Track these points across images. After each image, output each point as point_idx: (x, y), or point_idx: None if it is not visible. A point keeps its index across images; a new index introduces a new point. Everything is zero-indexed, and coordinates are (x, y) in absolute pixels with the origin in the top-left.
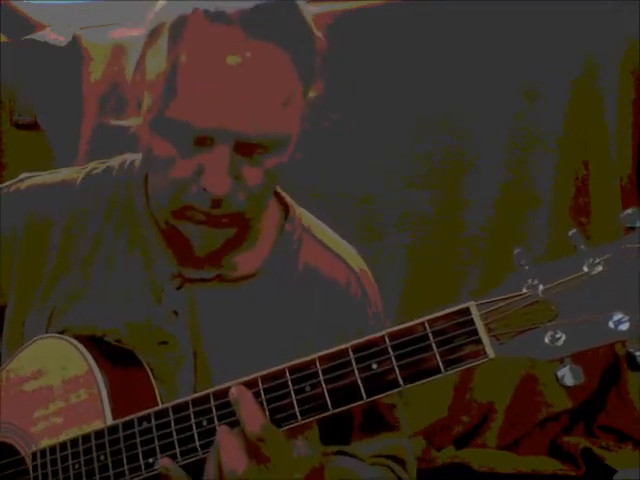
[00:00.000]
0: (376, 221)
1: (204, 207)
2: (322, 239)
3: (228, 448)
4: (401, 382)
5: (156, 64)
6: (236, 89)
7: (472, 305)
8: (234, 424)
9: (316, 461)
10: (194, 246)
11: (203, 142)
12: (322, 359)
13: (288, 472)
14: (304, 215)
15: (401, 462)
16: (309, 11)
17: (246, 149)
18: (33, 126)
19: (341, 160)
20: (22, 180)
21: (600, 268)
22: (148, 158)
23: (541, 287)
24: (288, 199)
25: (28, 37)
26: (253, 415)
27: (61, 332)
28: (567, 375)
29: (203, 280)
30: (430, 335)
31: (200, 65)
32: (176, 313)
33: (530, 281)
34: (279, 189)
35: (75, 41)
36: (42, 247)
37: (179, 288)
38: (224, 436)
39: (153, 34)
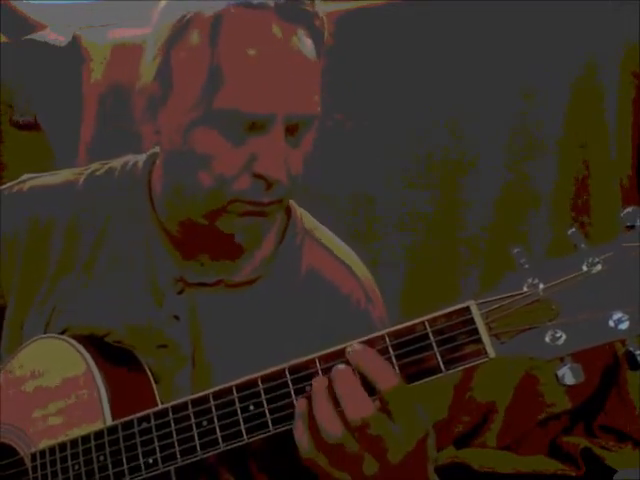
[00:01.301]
0: (376, 221)
1: (253, 196)
2: (325, 243)
3: (353, 394)
4: None
5: (191, 62)
6: (282, 70)
7: (472, 304)
8: (234, 424)
9: (428, 426)
10: (241, 241)
11: (256, 127)
12: (322, 359)
13: (411, 428)
14: (306, 218)
15: None
16: None
17: (292, 130)
18: (33, 126)
19: (341, 160)
20: (24, 181)
21: (600, 267)
22: (185, 159)
23: (541, 286)
24: (290, 202)
25: (28, 37)
26: (386, 371)
27: (61, 333)
28: (567, 374)
29: (205, 285)
30: (430, 334)
31: (244, 51)
32: (177, 318)
33: (530, 280)
34: None
35: (75, 41)
36: (44, 248)
37: (180, 292)
38: (345, 382)
39: (178, 35)
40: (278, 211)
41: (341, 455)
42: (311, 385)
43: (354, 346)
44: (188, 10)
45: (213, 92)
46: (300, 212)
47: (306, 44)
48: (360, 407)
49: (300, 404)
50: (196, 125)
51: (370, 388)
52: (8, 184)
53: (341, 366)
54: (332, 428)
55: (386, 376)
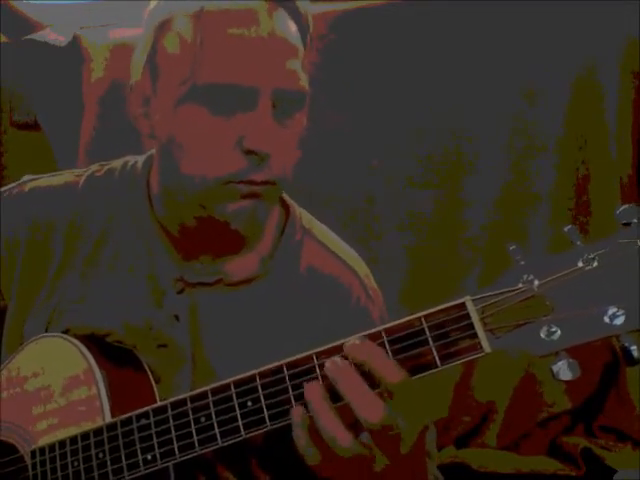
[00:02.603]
0: (376, 221)
1: (246, 174)
2: (323, 241)
3: (363, 397)
4: None
5: (175, 46)
6: (265, 47)
7: (468, 300)
8: (232, 420)
9: (428, 420)
10: (238, 227)
11: (242, 102)
12: (319, 355)
13: (415, 421)
14: (305, 216)
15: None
16: None
17: (280, 105)
18: (33, 126)
19: (341, 160)
20: (25, 183)
21: (595, 263)
22: (171, 146)
23: (536, 282)
24: (289, 200)
25: (28, 37)
26: (393, 368)
27: (63, 333)
28: (562, 369)
29: (204, 284)
30: (426, 330)
31: (227, 28)
32: (177, 317)
33: (525, 276)
34: None
35: (75, 41)
36: (44, 250)
37: (180, 292)
38: (351, 384)
39: (162, 26)
40: (274, 195)
41: (353, 459)
42: (308, 382)
43: (355, 341)
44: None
45: (198, 69)
46: (299, 211)
47: (289, 27)
48: (375, 410)
49: (297, 413)
50: (183, 102)
51: (370, 382)
52: (9, 186)
53: (339, 364)
54: (344, 440)
55: (392, 371)
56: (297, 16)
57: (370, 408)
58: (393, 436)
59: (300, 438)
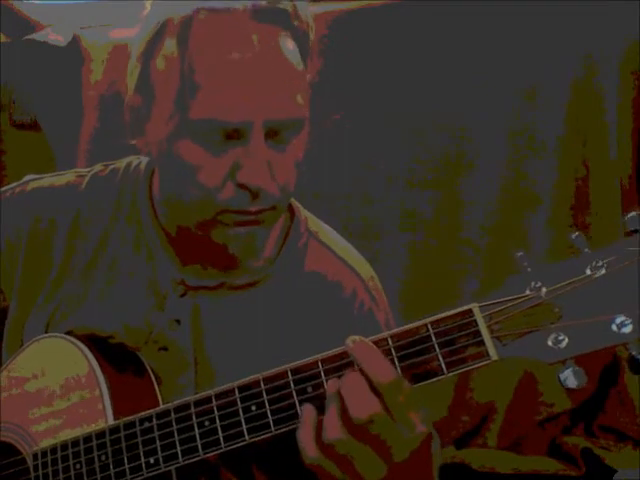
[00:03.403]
0: (376, 221)
1: (241, 205)
2: (329, 244)
3: (358, 392)
4: None
5: (166, 70)
6: (256, 75)
7: (475, 307)
8: (236, 425)
9: (430, 427)
10: (235, 253)
11: (234, 136)
12: (325, 361)
13: (413, 426)
14: (311, 220)
15: None
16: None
17: (273, 135)
18: (33, 126)
19: (341, 160)
20: (26, 182)
21: (603, 271)
22: (173, 169)
23: (544, 289)
24: (294, 203)
25: (28, 37)
26: (384, 367)
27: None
28: (570, 377)
29: (206, 288)
30: (433, 336)
31: (217, 58)
32: (178, 321)
33: (533, 283)
34: None
35: (75, 41)
36: (46, 250)
37: (182, 296)
38: (350, 382)
39: (153, 43)
40: (274, 218)
41: (347, 459)
42: (312, 387)
43: (354, 338)
44: (166, 16)
45: (186, 102)
46: (305, 214)
47: (285, 45)
48: (366, 405)
49: (307, 410)
50: (175, 137)
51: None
52: (11, 185)
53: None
54: (333, 431)
55: (383, 369)
56: (294, 30)
57: (361, 402)
58: (385, 439)
59: (305, 435)
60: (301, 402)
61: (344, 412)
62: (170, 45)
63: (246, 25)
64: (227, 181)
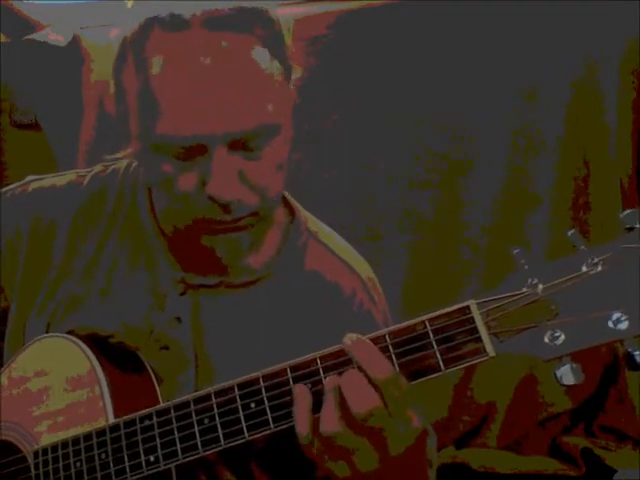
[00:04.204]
0: (376, 221)
1: (216, 215)
2: (329, 244)
3: (357, 388)
4: None
5: (130, 87)
6: (213, 88)
7: (472, 303)
8: (236, 422)
9: (425, 424)
10: (222, 257)
11: (197, 151)
12: (324, 358)
13: (409, 422)
14: (311, 220)
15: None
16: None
17: (240, 145)
18: (33, 126)
19: (341, 160)
20: (28, 183)
21: (599, 268)
22: (155, 175)
23: (540, 286)
24: (294, 203)
25: (28, 37)
26: (381, 364)
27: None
28: (566, 374)
29: (206, 286)
30: (430, 333)
31: (172, 75)
32: (179, 319)
33: (530, 280)
34: (285, 192)
35: (75, 41)
36: (46, 250)
37: (182, 294)
38: (349, 377)
39: (119, 59)
40: (261, 222)
41: (344, 451)
42: (311, 384)
43: (351, 336)
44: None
45: (147, 119)
46: (305, 214)
47: (248, 52)
48: (365, 400)
49: (300, 388)
50: (144, 152)
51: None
52: (12, 185)
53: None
54: (330, 424)
55: (380, 366)
56: (263, 35)
57: (361, 396)
58: (381, 432)
59: (302, 420)
60: None
61: (343, 406)
62: (129, 63)
63: (201, 37)
64: (198, 193)
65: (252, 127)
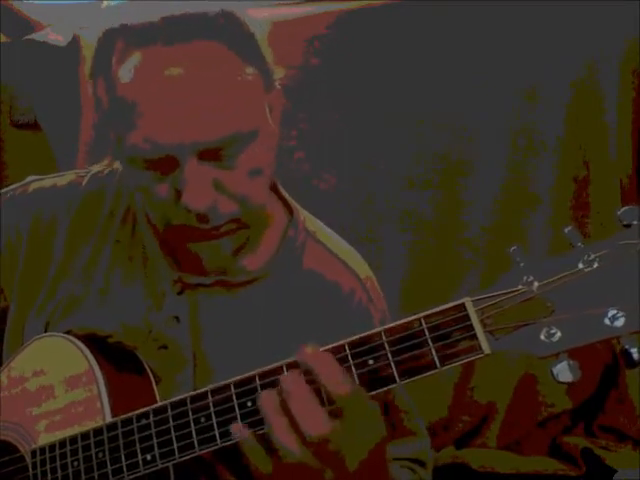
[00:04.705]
0: (376, 221)
1: (195, 224)
2: (327, 244)
3: (311, 409)
4: (397, 378)
5: (102, 99)
6: (180, 99)
7: (467, 301)
8: (231, 421)
9: (384, 431)
10: (204, 261)
11: (169, 164)
12: None
13: (363, 436)
14: (309, 220)
15: (423, 464)
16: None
17: (212, 155)
18: (33, 126)
19: (341, 160)
20: (28, 183)
21: (596, 265)
22: (133, 182)
23: (536, 283)
24: (293, 203)
25: (28, 37)
26: (340, 377)
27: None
28: (562, 371)
29: (203, 285)
30: (426, 331)
31: (137, 89)
32: (177, 319)
33: (525, 278)
34: (284, 192)
35: (75, 41)
36: (46, 249)
37: (180, 293)
38: (299, 398)
39: (94, 72)
40: (245, 227)
41: (298, 466)
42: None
43: (307, 349)
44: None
45: (118, 130)
46: (303, 214)
47: (212, 56)
48: (318, 424)
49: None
50: (120, 162)
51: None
52: (12, 186)
53: (291, 377)
54: (291, 446)
55: (340, 382)
56: (232, 40)
57: (314, 421)
58: (337, 454)
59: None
60: None
61: (295, 426)
62: (99, 72)
63: (164, 49)
64: (174, 203)
65: (221, 136)
